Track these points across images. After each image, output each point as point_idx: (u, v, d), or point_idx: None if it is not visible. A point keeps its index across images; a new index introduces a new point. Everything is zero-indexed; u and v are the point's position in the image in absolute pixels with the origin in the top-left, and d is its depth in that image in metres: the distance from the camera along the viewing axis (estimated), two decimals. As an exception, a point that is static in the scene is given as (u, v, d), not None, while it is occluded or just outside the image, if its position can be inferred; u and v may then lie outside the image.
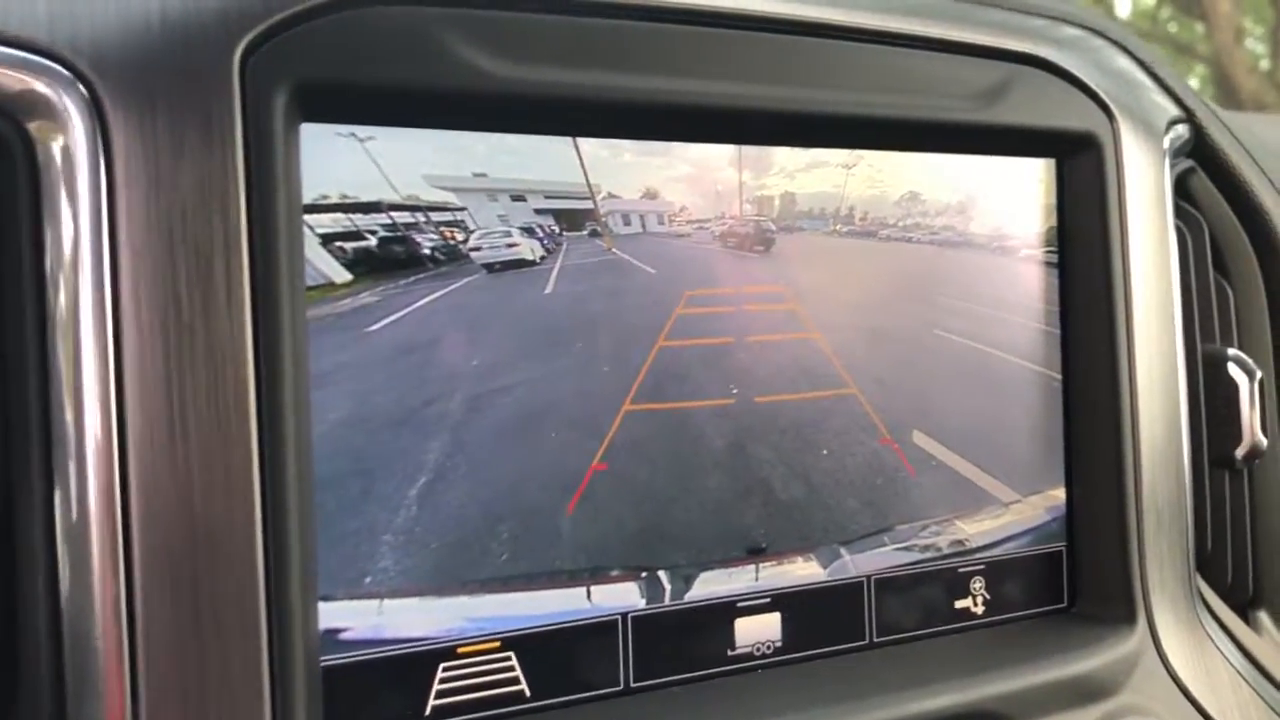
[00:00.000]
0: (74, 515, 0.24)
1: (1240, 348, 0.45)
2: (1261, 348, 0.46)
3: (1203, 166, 0.46)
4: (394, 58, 0.27)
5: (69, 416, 0.25)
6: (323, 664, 0.28)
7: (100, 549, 0.25)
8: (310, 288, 0.28)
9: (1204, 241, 0.45)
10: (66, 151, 0.25)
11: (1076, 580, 0.39)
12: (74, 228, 0.25)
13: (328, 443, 0.28)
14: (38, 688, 0.25)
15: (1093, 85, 0.38)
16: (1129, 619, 0.38)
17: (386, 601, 0.29)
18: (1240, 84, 7.77)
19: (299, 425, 0.26)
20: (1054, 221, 0.39)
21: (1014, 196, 0.39)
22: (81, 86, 0.25)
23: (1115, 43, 0.42)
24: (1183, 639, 0.39)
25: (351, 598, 0.28)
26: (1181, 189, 0.45)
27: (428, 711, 0.29)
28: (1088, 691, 0.36)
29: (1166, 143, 0.41)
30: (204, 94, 0.26)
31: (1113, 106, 0.39)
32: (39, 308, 0.25)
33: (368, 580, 0.29)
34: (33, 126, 0.25)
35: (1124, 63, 0.42)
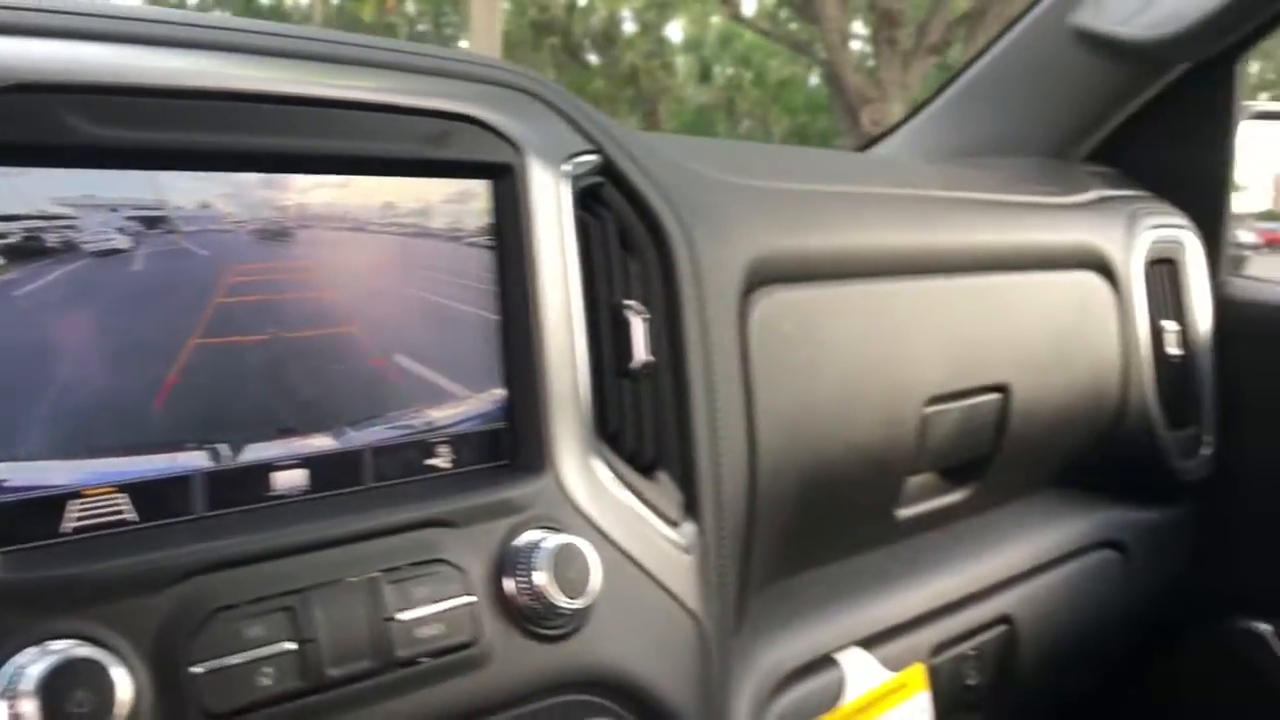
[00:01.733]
0: None
1: (641, 300, 0.70)
2: (656, 298, 0.71)
3: (612, 180, 0.70)
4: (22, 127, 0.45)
5: None
6: None
7: None
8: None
9: (611, 231, 0.69)
10: None
11: (512, 447, 0.61)
12: None
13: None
14: None
15: (508, 131, 0.61)
16: (542, 469, 0.60)
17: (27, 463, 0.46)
18: (847, 81, 8.76)
19: None
20: (492, 219, 0.61)
21: (465, 204, 0.60)
22: None
23: (534, 95, 0.65)
24: (581, 481, 0.62)
25: None
26: (597, 196, 0.69)
27: (61, 531, 0.47)
28: (511, 508, 0.58)
29: (570, 167, 0.65)
30: None
31: (523, 145, 0.61)
32: None
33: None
34: None
35: (538, 110, 0.65)
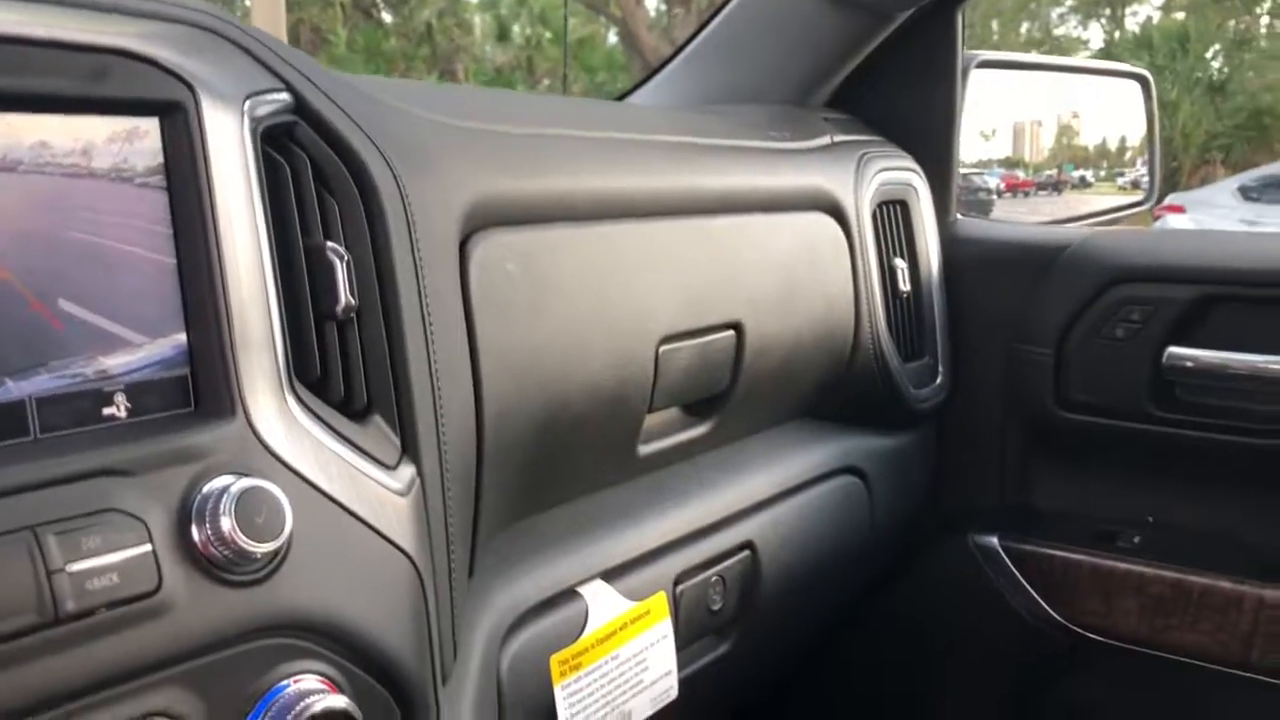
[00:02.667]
0: None
1: (346, 242, 0.69)
2: (362, 240, 0.70)
3: (307, 119, 0.68)
4: None
5: None
6: None
7: None
8: None
9: (306, 172, 0.68)
10: None
11: (196, 393, 0.60)
12: None
13: None
14: None
15: (177, 67, 0.59)
16: (230, 414, 0.59)
17: None
18: (643, 40, 8.84)
19: None
20: (163, 159, 0.59)
21: (132, 143, 0.58)
22: None
23: (214, 31, 0.63)
24: (277, 426, 0.61)
25: None
26: (291, 135, 0.68)
27: None
28: (194, 455, 0.57)
29: (251, 105, 0.63)
30: None
31: (195, 82, 0.59)
32: None
33: None
34: None
35: (219, 46, 0.63)
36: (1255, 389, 1.18)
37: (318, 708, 0.58)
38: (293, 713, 0.57)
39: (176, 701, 0.55)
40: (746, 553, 1.07)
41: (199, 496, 0.56)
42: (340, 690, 0.61)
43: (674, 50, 1.48)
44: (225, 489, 0.56)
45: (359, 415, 0.68)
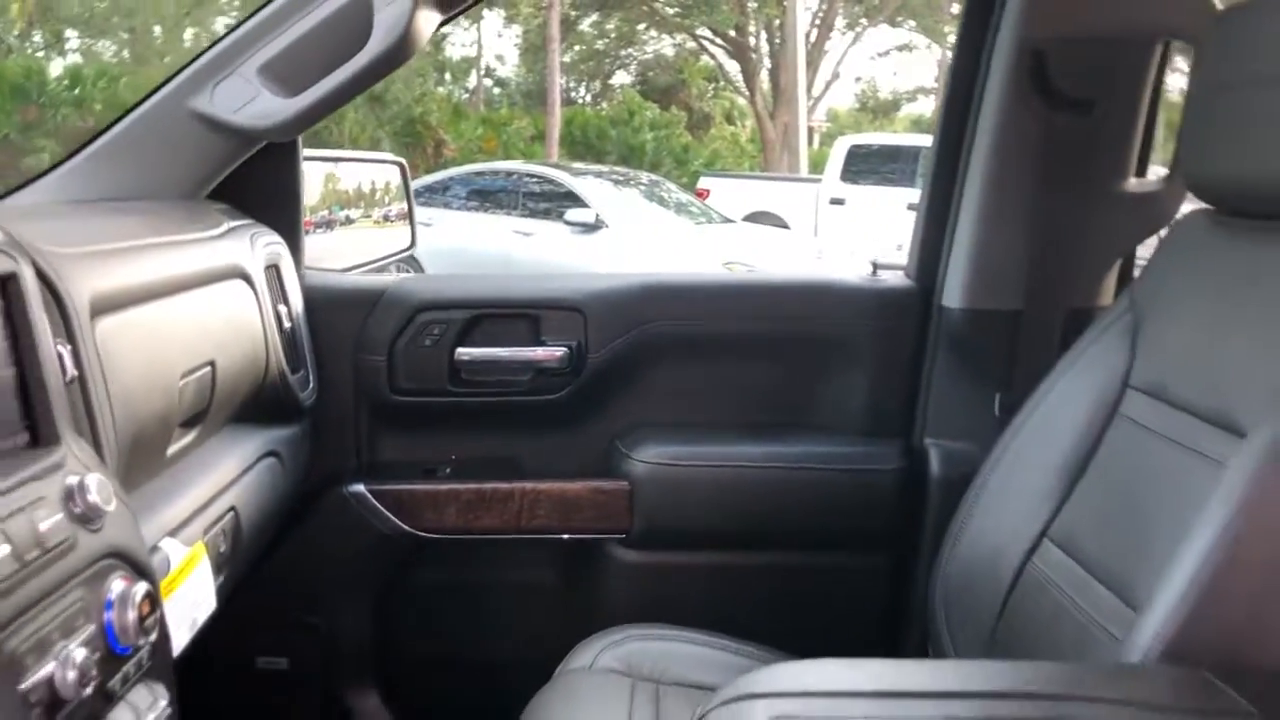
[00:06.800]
0: None
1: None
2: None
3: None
4: None
5: None
6: None
7: None
8: None
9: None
10: None
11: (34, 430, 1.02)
12: None
13: None
14: None
15: None
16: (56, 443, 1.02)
17: None
18: None
19: None
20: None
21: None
22: None
23: None
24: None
25: None
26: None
27: None
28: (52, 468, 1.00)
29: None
30: None
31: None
32: None
33: None
34: None
35: None
36: (507, 367, 2.02)
37: (139, 594, 1.04)
38: (127, 598, 1.03)
39: (85, 594, 0.98)
40: (232, 512, 1.60)
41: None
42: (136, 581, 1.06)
43: (70, 151, 1.85)
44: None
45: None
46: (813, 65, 22.25)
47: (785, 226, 12.98)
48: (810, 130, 23.98)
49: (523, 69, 26.93)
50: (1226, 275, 1.37)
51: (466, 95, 23.27)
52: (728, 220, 11.43)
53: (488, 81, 25.53)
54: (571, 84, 26.91)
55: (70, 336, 1.13)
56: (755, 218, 12.68)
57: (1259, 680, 1.04)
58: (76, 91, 14.75)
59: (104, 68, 16.60)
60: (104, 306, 1.24)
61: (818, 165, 17.71)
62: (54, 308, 1.12)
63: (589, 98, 27.27)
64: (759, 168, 21.43)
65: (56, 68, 16.79)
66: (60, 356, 1.08)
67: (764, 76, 22.28)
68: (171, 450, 1.47)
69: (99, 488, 1.02)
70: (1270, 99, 1.24)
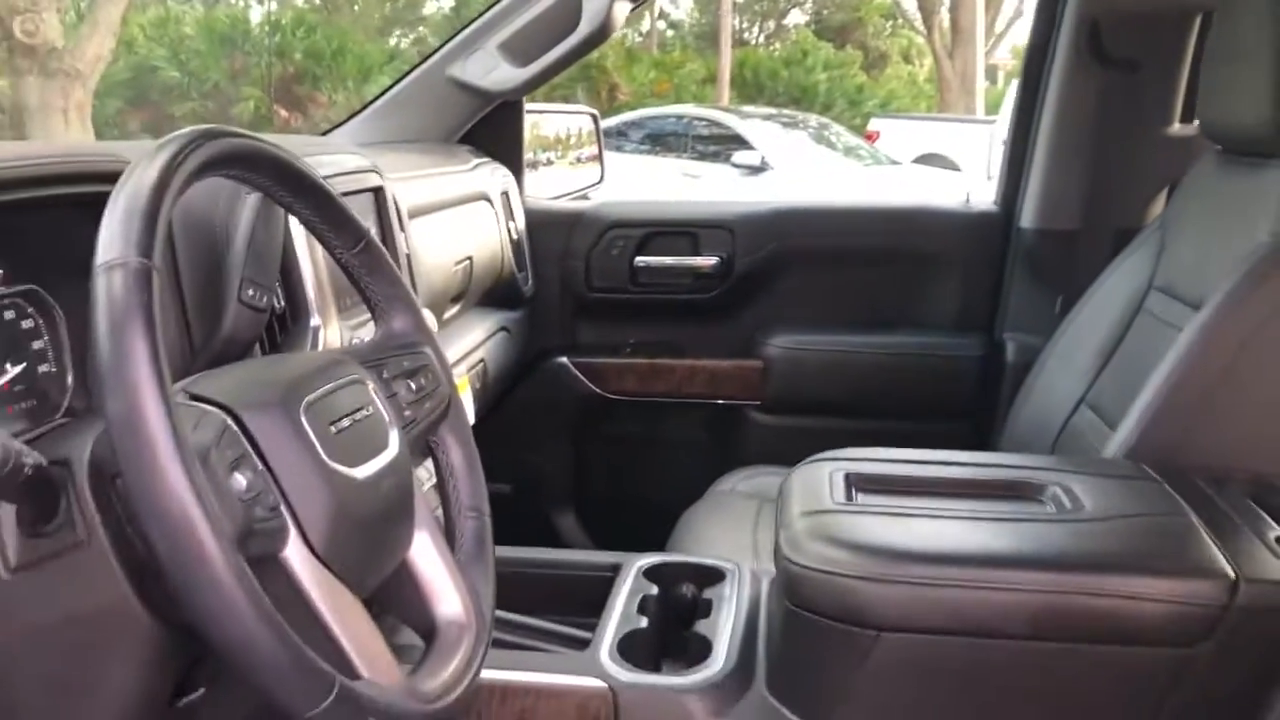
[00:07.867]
0: None
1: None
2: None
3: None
4: None
5: None
6: None
7: None
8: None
9: None
10: None
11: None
12: None
13: None
14: None
15: None
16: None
17: None
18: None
19: None
20: None
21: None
22: None
23: None
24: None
25: None
26: None
27: None
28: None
29: None
30: None
31: None
32: None
33: None
34: None
35: None
36: (673, 272, 2.65)
37: None
38: None
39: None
40: (481, 364, 2.29)
41: None
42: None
43: (361, 105, 2.56)
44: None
45: None
46: (994, 1, 21.80)
47: (956, 169, 13.04)
48: (994, 68, 23.45)
49: (696, 11, 27.21)
50: (1224, 200, 1.87)
51: (640, 39, 23.87)
52: (895, 163, 11.68)
53: (661, 24, 26.03)
54: (745, 24, 27.04)
55: (403, 229, 1.82)
56: (926, 160, 12.42)
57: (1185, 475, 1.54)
58: (277, 39, 14.79)
59: (300, 14, 16.29)
60: (415, 212, 1.93)
61: (996, 106, 17.47)
62: (392, 211, 1.80)
63: (762, 38, 27.37)
64: (936, 108, 21.15)
65: (255, 15, 16.78)
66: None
67: (943, 14, 21.93)
68: (445, 316, 2.17)
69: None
70: (1258, 62, 1.60)
